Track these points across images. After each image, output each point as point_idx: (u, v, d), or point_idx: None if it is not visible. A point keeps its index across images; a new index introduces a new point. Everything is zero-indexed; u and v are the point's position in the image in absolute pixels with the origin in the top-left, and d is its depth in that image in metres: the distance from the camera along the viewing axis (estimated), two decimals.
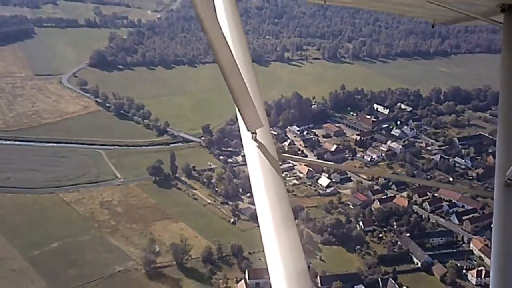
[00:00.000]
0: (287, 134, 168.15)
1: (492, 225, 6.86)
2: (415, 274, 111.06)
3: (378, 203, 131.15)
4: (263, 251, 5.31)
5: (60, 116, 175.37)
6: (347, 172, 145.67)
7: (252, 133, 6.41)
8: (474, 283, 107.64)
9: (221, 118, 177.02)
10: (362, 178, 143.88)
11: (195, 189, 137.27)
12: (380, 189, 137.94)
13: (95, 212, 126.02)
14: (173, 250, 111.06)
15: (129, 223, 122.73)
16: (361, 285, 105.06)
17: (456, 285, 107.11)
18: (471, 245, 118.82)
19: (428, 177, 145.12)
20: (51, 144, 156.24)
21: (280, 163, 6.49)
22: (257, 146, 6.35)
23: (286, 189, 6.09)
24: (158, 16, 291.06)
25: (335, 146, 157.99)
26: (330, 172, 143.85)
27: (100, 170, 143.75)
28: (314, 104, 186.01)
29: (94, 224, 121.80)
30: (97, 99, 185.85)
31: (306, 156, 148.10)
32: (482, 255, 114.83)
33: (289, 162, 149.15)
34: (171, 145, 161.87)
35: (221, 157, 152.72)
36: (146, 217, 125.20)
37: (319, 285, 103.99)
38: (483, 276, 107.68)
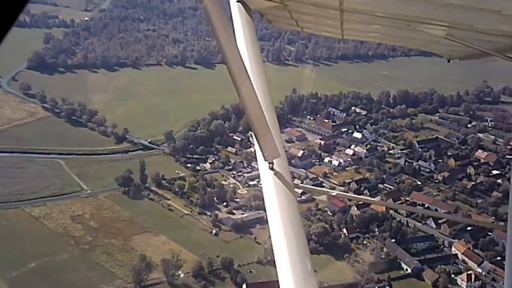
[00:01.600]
0: (250, 140, 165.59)
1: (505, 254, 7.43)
2: (407, 281, 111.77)
3: (356, 208, 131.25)
4: (277, 279, 5.28)
5: (7, 123, 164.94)
6: (318, 178, 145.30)
7: (269, 163, 6.49)
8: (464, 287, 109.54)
9: (178, 123, 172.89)
10: (334, 183, 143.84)
11: (169, 200, 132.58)
12: (354, 194, 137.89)
13: (68, 227, 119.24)
14: (162, 266, 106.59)
15: (107, 238, 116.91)
16: None
17: None
18: (453, 248, 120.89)
19: (397, 181, 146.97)
20: (3, 154, 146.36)
21: (296, 194, 6.72)
22: (274, 176, 6.43)
23: (301, 220, 6.21)
24: (87, 18, 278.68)
25: (301, 152, 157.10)
26: (301, 178, 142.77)
27: (63, 182, 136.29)
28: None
29: (69, 240, 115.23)
30: (45, 105, 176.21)
31: None
32: (466, 259, 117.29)
33: (255, 167, 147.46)
34: (132, 153, 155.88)
35: (188, 165, 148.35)
36: (123, 231, 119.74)
37: None
38: (473, 280, 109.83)
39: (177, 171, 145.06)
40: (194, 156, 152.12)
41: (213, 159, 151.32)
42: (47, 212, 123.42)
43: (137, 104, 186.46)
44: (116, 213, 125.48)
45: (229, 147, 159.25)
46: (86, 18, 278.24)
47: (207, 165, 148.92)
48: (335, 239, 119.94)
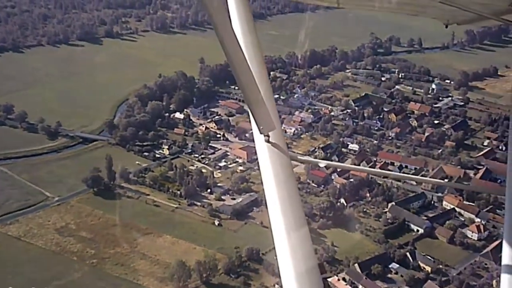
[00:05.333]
0: (191, 118, 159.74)
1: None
2: (422, 242, 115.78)
3: (338, 176, 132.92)
4: (275, 254, 5.65)
5: None
6: None
7: (265, 135, 6.69)
8: (476, 239, 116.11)
9: (104, 109, 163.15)
10: (299, 153, 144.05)
11: (148, 195, 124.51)
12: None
13: (60, 242, 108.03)
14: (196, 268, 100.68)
15: (110, 248, 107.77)
16: (394, 264, 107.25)
17: (464, 245, 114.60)
18: (445, 202, 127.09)
19: (353, 142, 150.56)
20: None
21: (292, 165, 6.87)
22: (270, 149, 6.64)
23: (298, 192, 6.50)
24: None
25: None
26: None
27: (22, 191, 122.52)
28: (198, 82, 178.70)
29: (71, 257, 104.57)
30: None
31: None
32: (462, 211, 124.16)
33: (215, 147, 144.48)
34: (72, 148, 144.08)
35: (145, 154, 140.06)
36: (122, 236, 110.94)
37: (360, 272, 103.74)
38: (482, 231, 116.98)
39: (137, 162, 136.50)
40: (146, 144, 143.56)
41: (168, 143, 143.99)
42: (26, 229, 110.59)
43: (45, 92, 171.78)
44: (102, 218, 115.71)
45: (175, 129, 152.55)
46: None
47: (165, 151, 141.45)
48: (338, 211, 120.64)
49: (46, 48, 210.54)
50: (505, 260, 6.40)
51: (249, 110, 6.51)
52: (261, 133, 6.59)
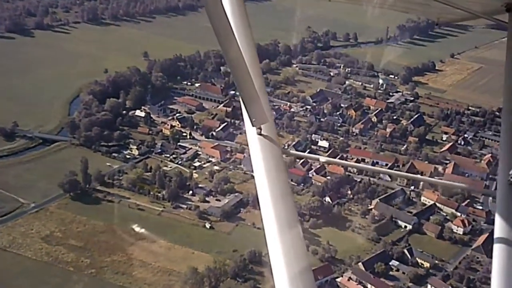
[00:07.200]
0: (152, 116, 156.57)
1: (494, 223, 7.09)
2: (412, 237, 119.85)
3: (316, 174, 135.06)
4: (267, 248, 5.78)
5: None
6: None
7: (257, 128, 6.75)
8: (462, 233, 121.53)
9: (56, 107, 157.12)
10: None
11: (129, 198, 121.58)
12: (302, 160, 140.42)
13: (51, 252, 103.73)
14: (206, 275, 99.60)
15: (105, 256, 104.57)
16: (394, 261, 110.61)
17: (452, 239, 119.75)
18: (424, 198, 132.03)
19: (321, 139, 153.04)
20: None
21: (284, 159, 6.94)
22: (262, 142, 6.70)
23: (290, 185, 6.63)
24: None
25: (218, 122, 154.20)
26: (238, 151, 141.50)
27: None
28: (152, 77, 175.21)
29: (67, 267, 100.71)
30: None
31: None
32: (442, 206, 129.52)
33: (185, 146, 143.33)
34: (33, 150, 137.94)
35: (114, 154, 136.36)
36: (115, 243, 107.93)
37: (365, 271, 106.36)
38: (467, 225, 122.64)
39: (107, 164, 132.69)
40: (112, 144, 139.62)
41: (136, 143, 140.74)
42: (10, 239, 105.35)
43: None
44: (88, 225, 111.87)
45: (138, 127, 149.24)
46: None
47: (134, 152, 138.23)
48: (326, 210, 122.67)
49: None
50: (496, 256, 6.55)
51: (242, 102, 6.62)
52: (253, 126, 6.67)
